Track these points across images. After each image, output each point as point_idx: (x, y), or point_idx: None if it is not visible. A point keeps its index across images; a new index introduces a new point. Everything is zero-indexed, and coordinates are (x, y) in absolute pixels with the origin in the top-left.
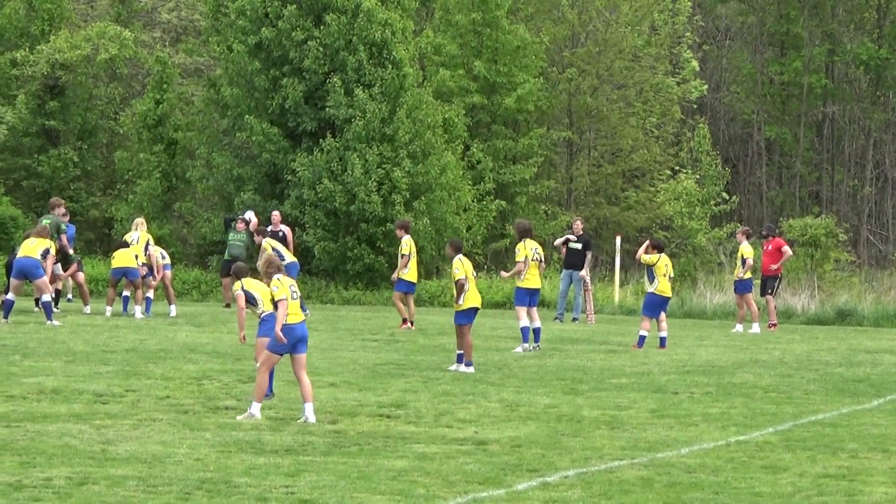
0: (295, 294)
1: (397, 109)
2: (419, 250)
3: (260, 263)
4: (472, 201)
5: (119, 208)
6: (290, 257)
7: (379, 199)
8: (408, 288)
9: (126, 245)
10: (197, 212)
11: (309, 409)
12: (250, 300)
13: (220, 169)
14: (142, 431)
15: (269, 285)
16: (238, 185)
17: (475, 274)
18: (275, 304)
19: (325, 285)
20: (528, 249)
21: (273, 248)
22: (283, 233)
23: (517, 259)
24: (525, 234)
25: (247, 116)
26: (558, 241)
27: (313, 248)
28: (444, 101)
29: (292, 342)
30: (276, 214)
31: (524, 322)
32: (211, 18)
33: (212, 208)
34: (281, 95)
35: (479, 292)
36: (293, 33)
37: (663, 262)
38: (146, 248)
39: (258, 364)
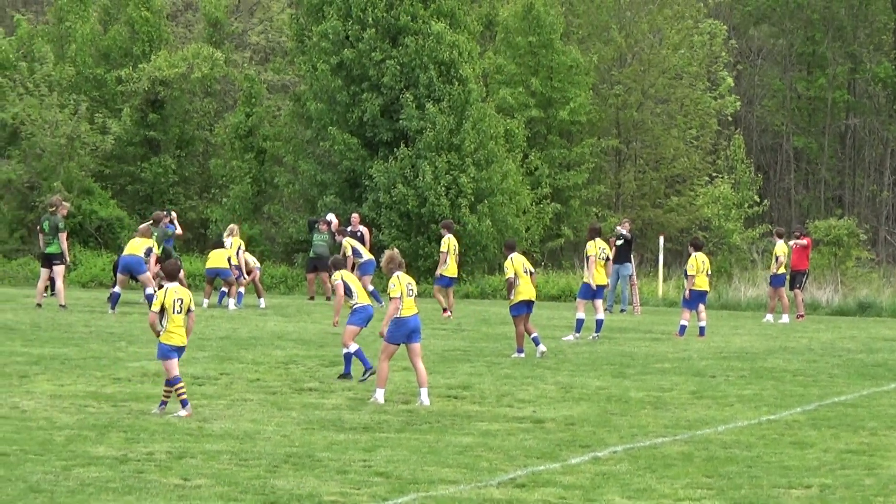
0: (411, 291)
1: (463, 122)
2: (482, 249)
3: (383, 262)
4: (531, 204)
5: (214, 211)
6: (367, 255)
7: (447, 203)
8: (448, 282)
9: (221, 245)
10: (284, 213)
11: (424, 393)
12: (347, 291)
13: (305, 175)
14: (234, 410)
15: (388, 280)
16: (321, 189)
17: (532, 270)
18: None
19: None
20: (596, 248)
21: (353, 247)
22: (362, 233)
23: (588, 253)
24: (595, 234)
25: (329, 128)
26: (611, 239)
27: (388, 247)
28: (505, 115)
29: (406, 333)
30: (355, 216)
31: (581, 314)
32: (296, 40)
33: (297, 210)
34: (360, 109)
35: (536, 287)
36: (372, 54)
37: (700, 260)
38: (238, 252)
39: (344, 349)
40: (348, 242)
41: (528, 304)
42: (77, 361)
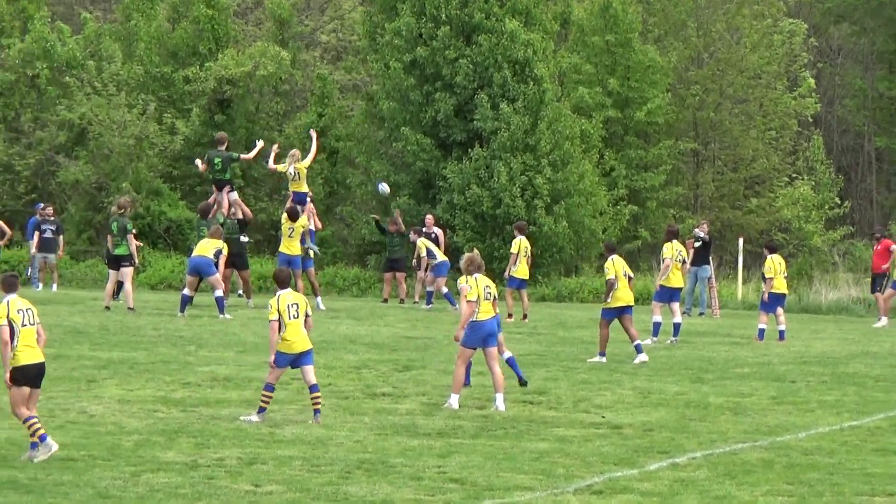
0: (489, 294)
1: (539, 122)
2: (558, 250)
3: (463, 262)
4: (607, 206)
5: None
6: (441, 256)
7: (522, 204)
8: (519, 284)
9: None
10: (356, 215)
11: (500, 398)
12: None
13: (378, 176)
14: (306, 416)
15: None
16: (394, 190)
17: (631, 275)
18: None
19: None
20: (673, 250)
21: (427, 248)
22: (436, 234)
23: (664, 255)
24: (672, 236)
25: (402, 128)
26: (689, 241)
27: (463, 248)
28: (581, 115)
29: (482, 336)
30: (429, 218)
31: (657, 318)
32: (368, 38)
33: (370, 212)
34: (433, 109)
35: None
36: (446, 52)
37: (777, 262)
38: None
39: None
40: (423, 243)
41: (623, 310)
42: (146, 365)
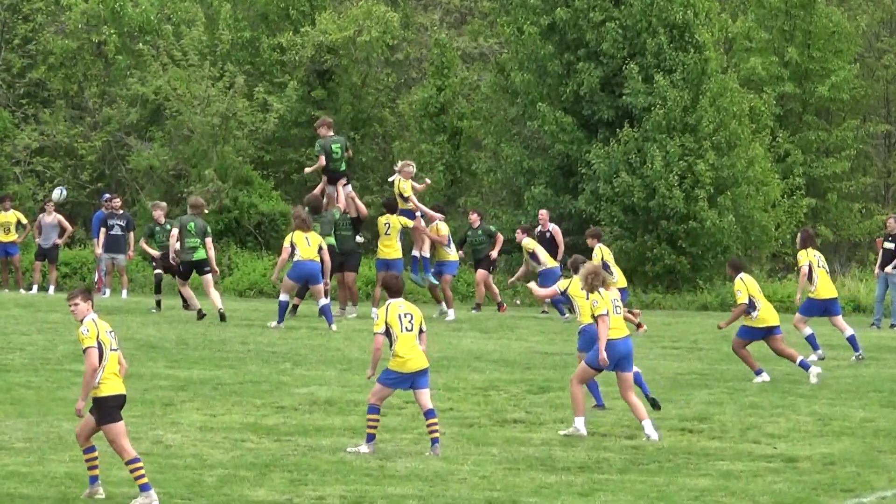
0: (617, 308)
1: (700, 97)
2: (723, 250)
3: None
4: (781, 197)
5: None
6: (549, 262)
7: (681, 194)
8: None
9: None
10: (484, 207)
11: (648, 425)
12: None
13: (509, 161)
14: (422, 446)
15: (588, 297)
16: (528, 178)
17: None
18: (594, 318)
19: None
20: (810, 257)
21: (532, 251)
22: (551, 233)
23: (800, 264)
24: (807, 242)
25: (538, 104)
26: (878, 240)
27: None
28: (751, 90)
29: (614, 360)
30: (543, 213)
31: (807, 330)
32: None
33: (500, 204)
34: (575, 82)
35: (789, 295)
36: (590, 14)
37: None
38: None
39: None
40: (529, 244)
41: (770, 330)
42: (232, 386)
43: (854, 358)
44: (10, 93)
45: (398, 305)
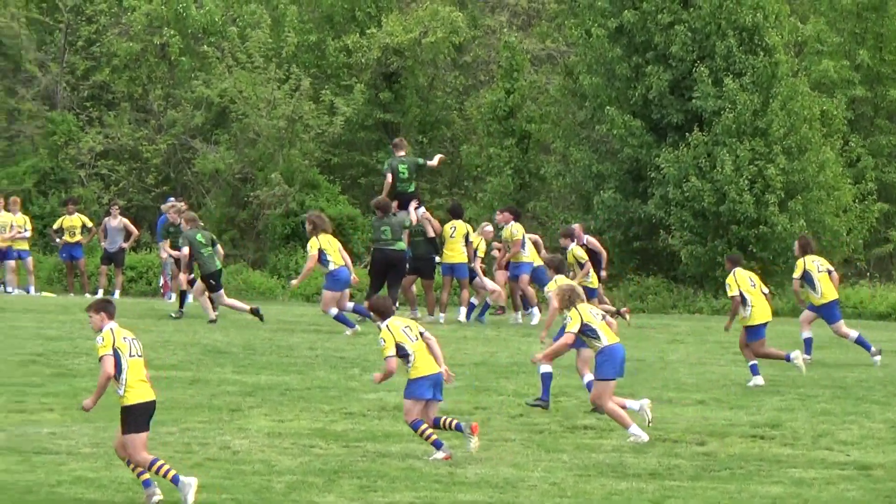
0: (604, 317)
1: (770, 101)
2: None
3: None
4: (852, 202)
5: (468, 207)
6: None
7: (751, 199)
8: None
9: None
10: (552, 212)
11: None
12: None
13: (578, 165)
14: (492, 453)
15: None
16: (597, 182)
17: (765, 290)
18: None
19: (692, 293)
20: (807, 265)
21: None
22: (587, 244)
23: (808, 270)
24: (807, 249)
25: (607, 108)
26: None
27: (679, 253)
28: (823, 93)
29: (619, 364)
30: (577, 226)
31: (855, 333)
32: (566, 0)
33: (568, 208)
34: (644, 85)
35: (861, 301)
36: (658, 16)
37: None
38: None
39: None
40: (575, 253)
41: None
42: (300, 392)
43: (872, 357)
44: (74, 95)
45: (395, 322)
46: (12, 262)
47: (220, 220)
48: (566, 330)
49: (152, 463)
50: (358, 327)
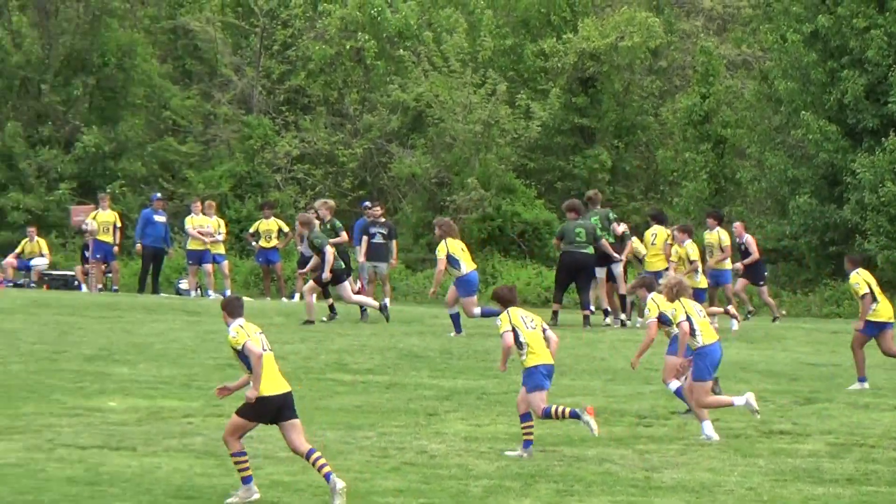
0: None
1: None
2: None
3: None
4: None
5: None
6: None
7: None
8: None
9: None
10: (749, 217)
11: (707, 427)
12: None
13: (773, 170)
14: (689, 457)
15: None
16: (792, 187)
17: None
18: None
19: (889, 298)
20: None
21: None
22: (744, 244)
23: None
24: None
25: (802, 112)
26: None
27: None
28: None
29: (715, 365)
30: (737, 224)
31: None
32: (761, 6)
33: (764, 213)
34: (839, 90)
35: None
36: (853, 21)
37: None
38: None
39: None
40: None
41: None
42: (497, 396)
43: None
44: (269, 99)
45: (515, 310)
46: (209, 266)
47: (417, 225)
48: (675, 322)
49: (237, 454)
50: (463, 332)
